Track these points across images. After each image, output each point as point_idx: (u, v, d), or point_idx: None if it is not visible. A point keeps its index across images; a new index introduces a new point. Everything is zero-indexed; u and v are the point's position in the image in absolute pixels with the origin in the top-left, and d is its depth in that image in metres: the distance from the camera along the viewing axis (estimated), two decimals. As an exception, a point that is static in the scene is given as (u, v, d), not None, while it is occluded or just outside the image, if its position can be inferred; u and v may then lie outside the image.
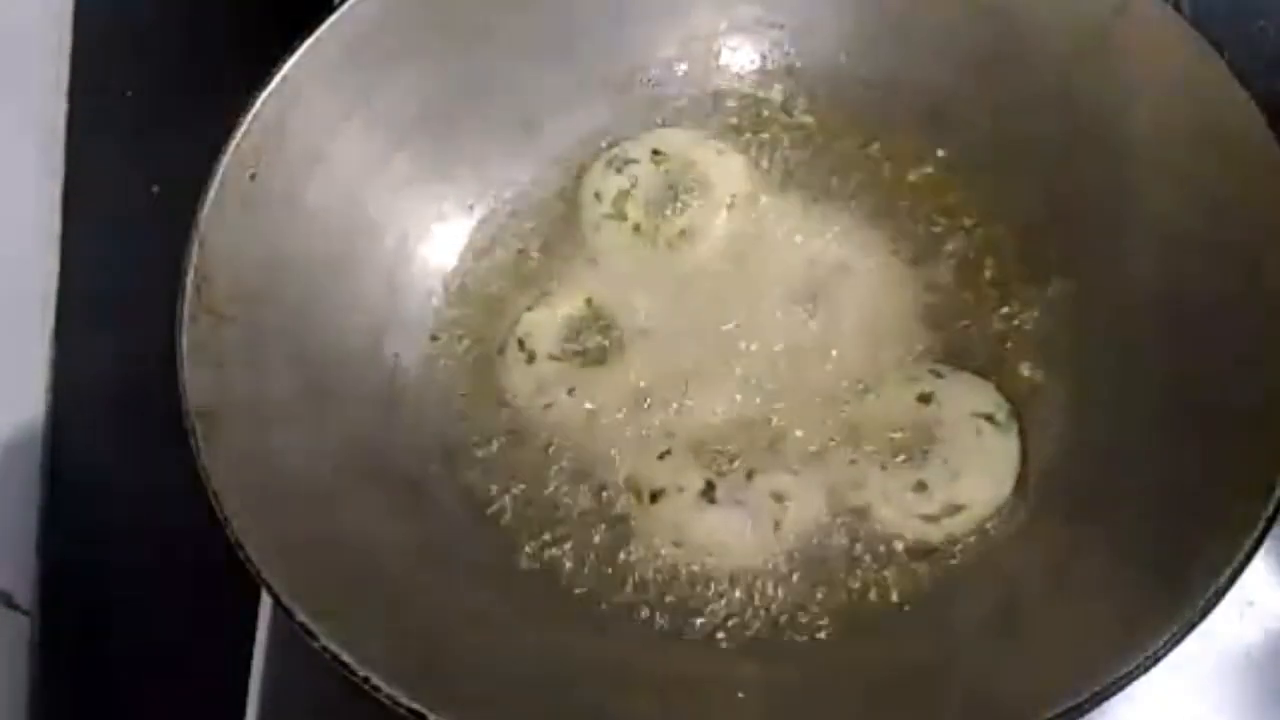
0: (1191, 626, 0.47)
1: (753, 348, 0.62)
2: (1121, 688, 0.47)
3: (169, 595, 0.72)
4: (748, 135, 0.67)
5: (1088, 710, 0.47)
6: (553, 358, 0.63)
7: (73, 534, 0.75)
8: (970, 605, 0.56)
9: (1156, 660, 0.47)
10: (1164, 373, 0.56)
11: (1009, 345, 0.61)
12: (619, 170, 0.65)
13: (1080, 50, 0.60)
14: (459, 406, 0.63)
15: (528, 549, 0.60)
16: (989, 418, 0.58)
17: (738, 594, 0.58)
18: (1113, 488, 0.56)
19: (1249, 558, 0.48)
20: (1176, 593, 0.48)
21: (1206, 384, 0.54)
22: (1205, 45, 0.56)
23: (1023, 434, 0.59)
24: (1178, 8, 0.58)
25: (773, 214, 0.65)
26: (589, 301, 0.64)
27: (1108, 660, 0.47)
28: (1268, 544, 0.48)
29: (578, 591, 0.58)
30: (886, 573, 0.57)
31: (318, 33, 0.60)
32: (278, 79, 0.59)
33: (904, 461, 0.59)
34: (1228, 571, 0.47)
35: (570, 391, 0.62)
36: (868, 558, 0.58)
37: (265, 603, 0.64)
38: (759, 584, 0.58)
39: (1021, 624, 0.54)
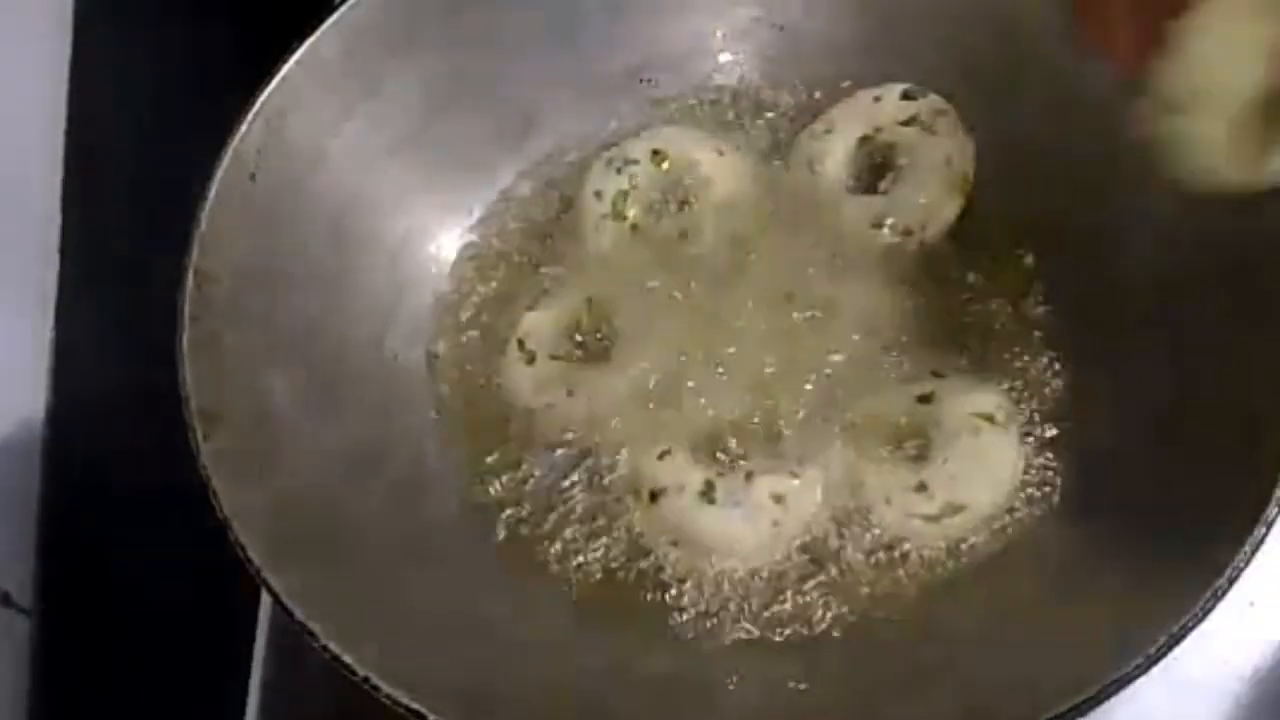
0: (1191, 626, 0.47)
1: (753, 348, 0.62)
2: (1121, 688, 0.47)
3: (169, 595, 0.72)
4: (748, 135, 0.68)
5: (1087, 710, 0.47)
6: (553, 358, 0.62)
7: (73, 534, 0.75)
8: (970, 605, 0.56)
9: (1156, 660, 0.47)
10: (1165, 373, 0.56)
11: (1010, 345, 0.61)
12: (619, 170, 0.65)
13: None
14: (459, 406, 0.63)
15: (527, 549, 0.60)
16: (989, 418, 0.58)
17: (737, 594, 0.58)
18: (1113, 488, 0.56)
19: (1249, 558, 0.48)
20: (1176, 593, 0.48)
21: (1207, 385, 0.54)
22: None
23: (1023, 434, 0.59)
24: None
25: (773, 214, 0.65)
26: (589, 301, 0.64)
27: (1108, 660, 0.47)
28: (1268, 544, 0.48)
29: (577, 591, 0.58)
30: (886, 573, 0.57)
31: (318, 33, 0.60)
32: (278, 79, 0.59)
33: (904, 462, 0.58)
34: (1228, 571, 0.47)
35: (570, 392, 0.61)
36: (867, 558, 0.58)
37: (265, 603, 0.64)
38: (758, 584, 0.58)
39: (1021, 624, 0.54)
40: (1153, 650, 0.47)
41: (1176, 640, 0.47)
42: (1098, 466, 0.57)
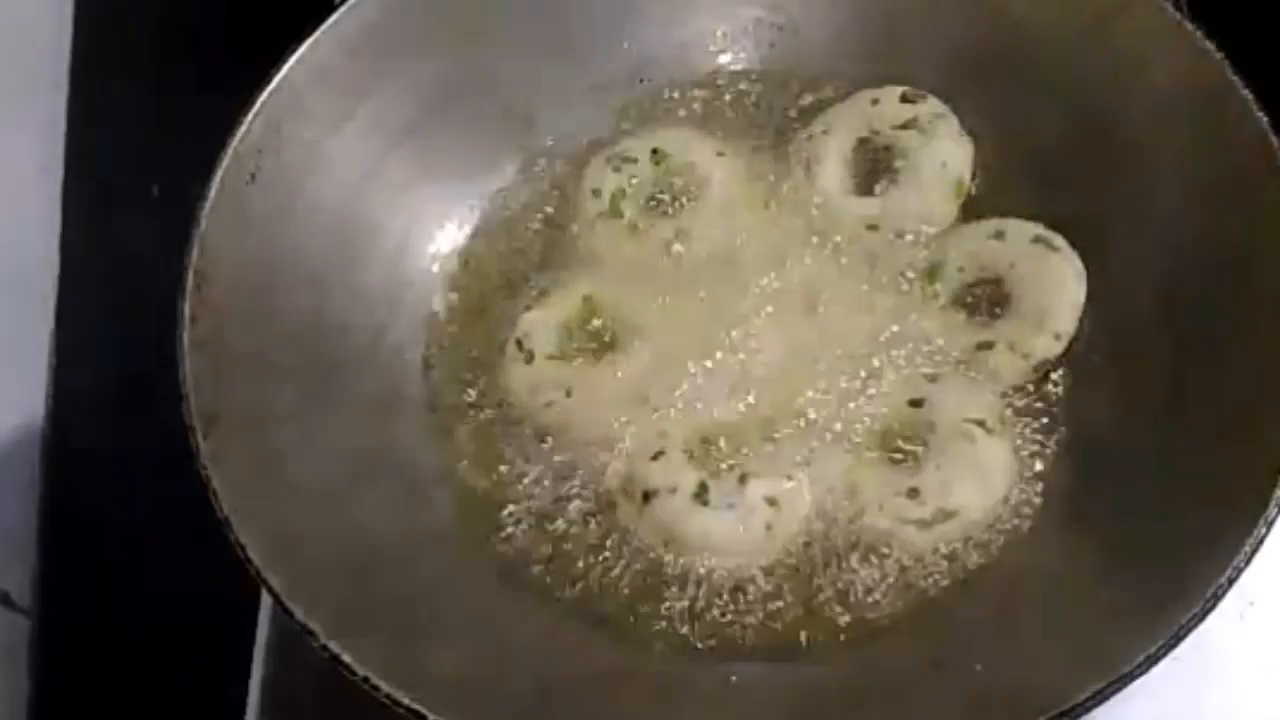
0: (1192, 626, 0.47)
1: (748, 350, 0.62)
2: (1121, 688, 0.47)
3: (169, 595, 0.72)
4: (747, 136, 0.67)
5: (1087, 710, 0.47)
6: (550, 358, 0.62)
7: (73, 534, 0.75)
8: (968, 607, 0.56)
9: (1157, 660, 0.47)
10: (1164, 374, 0.56)
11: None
12: (617, 169, 0.65)
13: (1080, 49, 0.60)
14: (457, 406, 0.63)
15: (525, 549, 0.60)
16: (981, 424, 0.58)
17: (729, 596, 0.57)
18: (1112, 490, 0.56)
19: (1249, 558, 0.48)
20: (1176, 593, 0.48)
21: (1206, 385, 0.54)
22: (1205, 45, 0.56)
23: (1018, 437, 0.58)
24: (1178, 7, 0.58)
25: (769, 215, 0.65)
26: (587, 301, 0.63)
27: (1108, 660, 0.47)
28: (1267, 544, 0.48)
29: (573, 592, 0.58)
30: (879, 576, 0.57)
31: (317, 33, 0.60)
32: (278, 79, 0.59)
33: (896, 467, 0.58)
34: (1228, 571, 0.47)
35: (568, 392, 0.61)
36: (860, 562, 0.57)
37: (265, 603, 0.64)
38: (750, 587, 0.57)
39: (1021, 625, 0.54)
40: (1153, 650, 0.47)
41: (1177, 640, 0.47)
42: (1096, 468, 0.57)
